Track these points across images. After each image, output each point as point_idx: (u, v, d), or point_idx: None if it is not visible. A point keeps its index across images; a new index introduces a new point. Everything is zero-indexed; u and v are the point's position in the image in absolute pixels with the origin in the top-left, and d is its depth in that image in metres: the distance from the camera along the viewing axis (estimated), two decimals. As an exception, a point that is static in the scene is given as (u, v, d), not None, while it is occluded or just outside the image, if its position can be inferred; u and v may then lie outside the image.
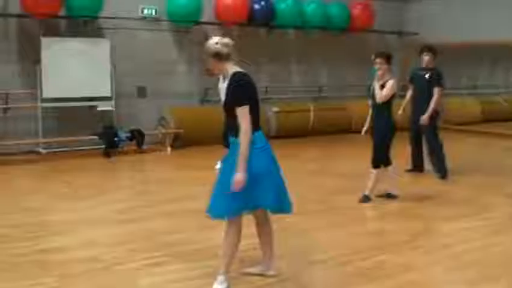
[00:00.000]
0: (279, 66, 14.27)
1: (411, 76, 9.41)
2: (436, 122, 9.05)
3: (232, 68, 4.46)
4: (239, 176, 4.25)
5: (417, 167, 9.39)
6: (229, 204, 4.38)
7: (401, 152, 8.71)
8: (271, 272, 4.88)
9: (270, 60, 13.75)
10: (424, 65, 9.08)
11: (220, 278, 4.55)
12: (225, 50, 4.44)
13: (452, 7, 14.92)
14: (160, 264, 5.18)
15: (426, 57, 9.04)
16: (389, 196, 7.67)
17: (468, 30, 13.56)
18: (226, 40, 4.50)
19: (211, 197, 4.56)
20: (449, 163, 9.08)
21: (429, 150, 9.16)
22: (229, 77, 4.44)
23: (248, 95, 4.40)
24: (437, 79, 8.94)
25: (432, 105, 8.80)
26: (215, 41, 4.47)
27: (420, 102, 8.94)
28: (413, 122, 9.08)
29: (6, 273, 4.93)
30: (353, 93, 15.04)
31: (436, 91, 8.85)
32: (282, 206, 4.57)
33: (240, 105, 4.33)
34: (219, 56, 4.44)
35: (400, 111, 8.59)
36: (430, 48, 9.11)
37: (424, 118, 8.79)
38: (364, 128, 7.77)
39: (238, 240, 4.55)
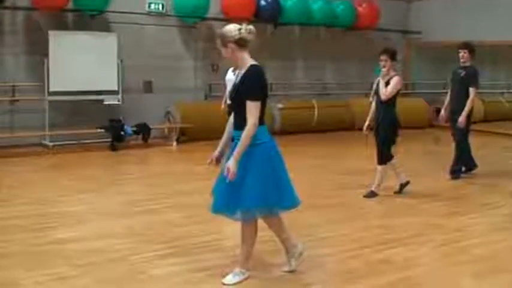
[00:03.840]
0: (284, 63, 14.32)
1: (451, 75, 8.93)
2: (468, 123, 8.69)
3: (249, 59, 4.33)
4: (232, 165, 4.18)
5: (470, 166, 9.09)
6: (259, 198, 4.31)
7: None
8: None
9: (275, 56, 13.76)
10: (460, 63, 8.67)
11: (236, 270, 4.61)
12: (249, 37, 4.27)
13: (455, 7, 15.01)
14: (173, 255, 5.26)
15: (460, 54, 8.61)
16: (403, 187, 7.75)
17: (469, 30, 13.60)
18: (251, 27, 4.30)
19: (223, 195, 4.42)
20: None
21: (456, 150, 8.85)
22: (245, 68, 4.31)
23: (262, 91, 4.31)
24: (471, 78, 8.53)
25: (467, 106, 8.44)
26: (238, 27, 4.27)
27: (456, 102, 8.63)
28: (452, 122, 8.77)
29: (24, 262, 5.01)
30: (357, 91, 15.18)
31: (471, 91, 8.46)
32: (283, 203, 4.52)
33: (253, 99, 4.23)
34: (240, 43, 4.25)
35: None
36: (466, 45, 8.69)
37: (461, 121, 8.44)
38: (366, 125, 7.73)
39: (255, 238, 4.58)
